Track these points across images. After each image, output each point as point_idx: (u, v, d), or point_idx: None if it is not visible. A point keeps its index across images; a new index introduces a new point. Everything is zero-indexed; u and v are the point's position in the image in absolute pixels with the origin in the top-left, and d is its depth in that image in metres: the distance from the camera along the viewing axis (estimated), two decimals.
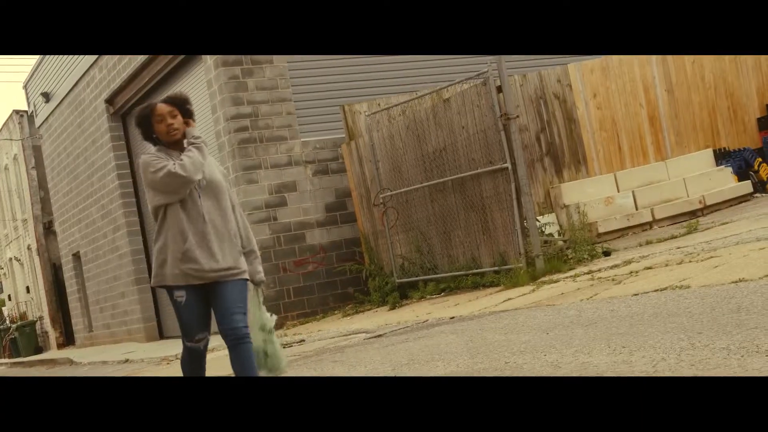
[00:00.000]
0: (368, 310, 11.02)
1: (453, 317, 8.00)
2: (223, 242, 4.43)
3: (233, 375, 4.49)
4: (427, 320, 8.34)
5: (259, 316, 4.60)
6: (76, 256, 18.91)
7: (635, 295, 6.29)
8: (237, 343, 4.36)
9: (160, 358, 10.42)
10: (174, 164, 4.33)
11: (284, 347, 8.86)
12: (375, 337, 8.05)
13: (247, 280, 4.50)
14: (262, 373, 4.55)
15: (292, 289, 11.66)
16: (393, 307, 10.41)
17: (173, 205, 4.39)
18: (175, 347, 11.34)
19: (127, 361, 11.21)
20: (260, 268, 4.69)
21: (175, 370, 8.62)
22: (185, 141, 4.50)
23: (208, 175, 4.51)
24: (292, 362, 7.15)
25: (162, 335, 14.68)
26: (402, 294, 10.79)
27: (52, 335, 24.29)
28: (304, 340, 9.47)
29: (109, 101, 15.57)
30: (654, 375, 3.74)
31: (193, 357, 4.56)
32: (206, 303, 4.43)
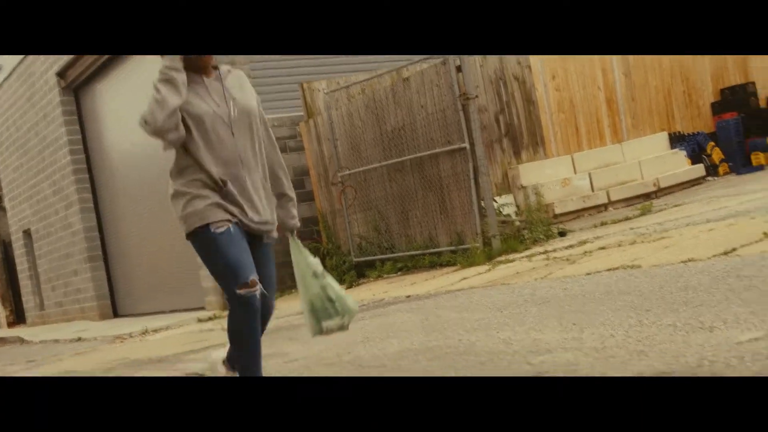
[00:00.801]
0: None
1: (409, 296, 8.03)
2: (259, 189, 3.64)
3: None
4: (383, 299, 8.36)
5: (306, 264, 3.86)
6: (27, 233, 18.61)
7: (588, 274, 6.37)
8: (266, 321, 3.87)
9: (113, 337, 10.32)
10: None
11: None
12: None
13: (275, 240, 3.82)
14: (334, 322, 3.91)
15: None
16: (350, 286, 10.41)
17: (193, 142, 3.50)
18: (129, 326, 11.24)
19: (79, 339, 11.09)
20: (295, 213, 3.94)
21: (129, 349, 8.54)
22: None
23: (241, 102, 3.68)
24: None
25: (116, 314, 14.54)
26: (359, 273, 10.80)
27: (2, 314, 23.93)
28: None
29: (61, 74, 15.27)
30: (603, 352, 3.79)
31: (250, 311, 3.54)
32: (246, 242, 3.63)
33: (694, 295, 4.61)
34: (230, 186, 3.51)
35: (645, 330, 4.04)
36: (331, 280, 3.89)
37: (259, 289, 3.54)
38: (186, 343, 7.97)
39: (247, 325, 3.58)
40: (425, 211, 10.14)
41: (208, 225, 3.49)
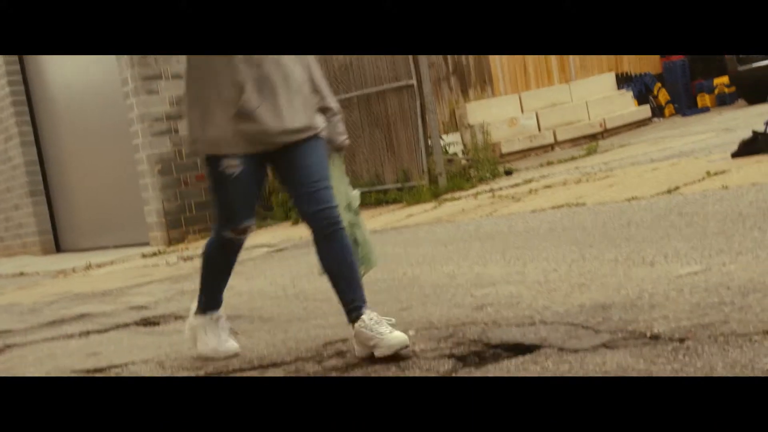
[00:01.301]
0: (270, 225, 10.96)
1: None
2: (292, 93, 3.19)
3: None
4: None
5: (343, 192, 3.39)
6: None
7: (533, 211, 6.41)
8: (333, 229, 3.22)
9: (56, 272, 10.16)
10: None
11: (185, 260, 8.76)
12: (277, 251, 8.01)
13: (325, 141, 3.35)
14: None
15: (194, 204, 11.45)
16: (296, 223, 10.37)
17: None
18: (72, 261, 11.08)
19: (21, 274, 10.90)
20: (342, 128, 3.47)
21: (73, 284, 8.42)
22: None
23: None
24: (191, 276, 7.07)
25: (59, 249, 14.31)
26: None
27: None
28: None
29: None
30: (546, 286, 3.83)
31: (228, 249, 3.47)
32: (261, 178, 3.43)
33: (636, 232, 4.67)
34: (249, 89, 3.13)
35: (587, 264, 4.09)
36: (362, 222, 3.49)
37: (246, 235, 3.46)
38: (130, 278, 7.88)
39: (218, 257, 3.56)
40: (372, 149, 10.09)
41: (217, 157, 3.25)
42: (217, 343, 3.58)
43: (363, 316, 3.22)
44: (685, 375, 2.36)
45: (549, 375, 2.59)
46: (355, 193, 3.48)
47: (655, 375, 2.42)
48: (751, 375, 2.27)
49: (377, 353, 3.14)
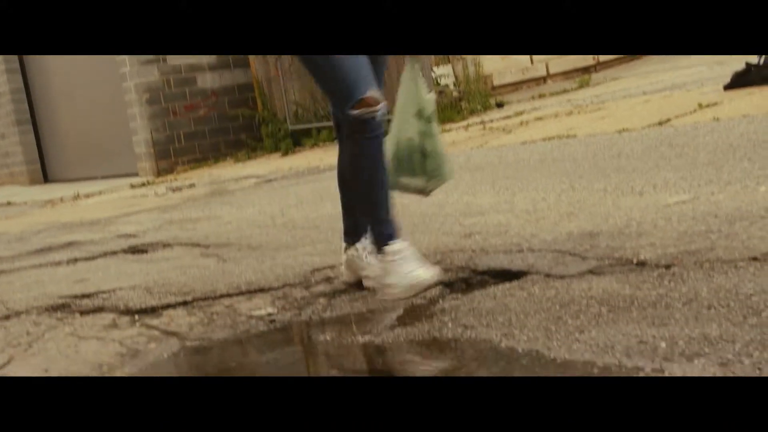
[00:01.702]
0: (260, 156, 10.90)
1: None
2: None
3: None
4: (318, 166, 8.30)
5: (415, 96, 2.98)
6: None
7: (523, 143, 6.39)
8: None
9: (44, 201, 10.12)
10: None
11: (174, 191, 8.73)
12: (266, 181, 7.99)
13: None
14: (415, 181, 3.05)
15: (182, 134, 11.37)
16: (285, 154, 10.33)
17: None
18: (60, 190, 11.03)
19: (9, 203, 10.84)
20: None
21: (61, 213, 8.39)
22: None
23: None
24: (179, 207, 7.05)
25: (46, 179, 14.24)
26: (295, 141, 10.68)
27: None
28: (194, 185, 9.32)
29: None
30: (534, 215, 3.82)
31: (370, 139, 2.79)
32: None
33: (626, 163, 4.66)
34: None
35: (576, 194, 4.08)
36: (436, 131, 3.01)
37: (381, 109, 2.77)
38: (119, 208, 7.85)
39: (369, 160, 2.78)
40: None
41: None
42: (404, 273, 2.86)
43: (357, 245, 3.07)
44: (669, 300, 2.37)
45: (535, 300, 2.61)
46: (430, 97, 2.99)
47: (640, 299, 2.43)
48: (735, 300, 2.28)
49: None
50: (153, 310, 3.20)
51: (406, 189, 3.10)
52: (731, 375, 1.85)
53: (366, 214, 2.99)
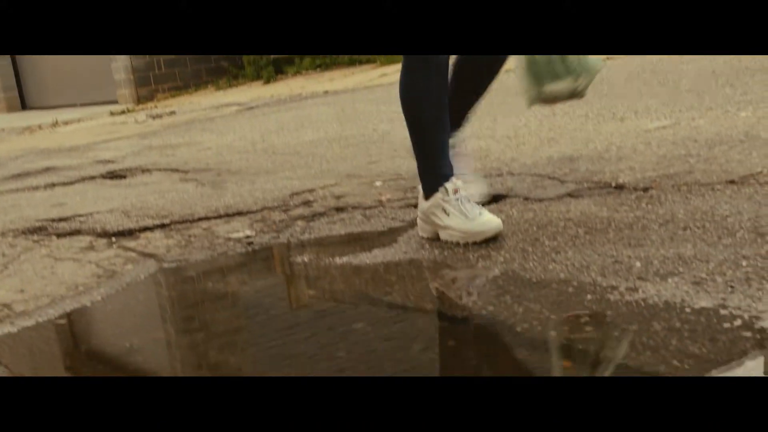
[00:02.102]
0: (242, 84, 10.78)
1: (326, 91, 7.92)
2: None
3: None
4: (300, 93, 8.23)
5: None
6: None
7: (507, 71, 6.31)
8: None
9: (22, 128, 9.99)
10: None
11: (154, 119, 8.64)
12: (247, 108, 7.91)
13: None
14: (562, 85, 2.60)
15: (162, 61, 11.21)
16: (267, 82, 10.21)
17: None
18: (39, 118, 10.88)
19: None
20: None
21: (39, 139, 8.29)
22: None
23: None
24: (159, 133, 6.99)
25: (24, 106, 14.05)
26: (277, 69, 10.56)
27: None
28: (174, 112, 9.23)
29: None
30: (515, 140, 3.81)
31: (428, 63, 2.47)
32: None
33: (609, 90, 4.63)
34: None
35: (558, 120, 4.06)
36: None
37: None
38: (97, 135, 7.77)
39: (428, 83, 2.48)
40: None
41: None
42: (468, 219, 2.52)
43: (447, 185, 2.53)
44: (646, 221, 2.38)
45: (513, 222, 2.60)
46: None
47: (617, 221, 2.43)
48: (711, 221, 2.29)
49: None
50: (130, 233, 3.19)
51: (555, 97, 2.69)
52: (704, 293, 1.87)
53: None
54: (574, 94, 2.65)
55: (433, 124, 2.53)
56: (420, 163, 2.61)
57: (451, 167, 2.58)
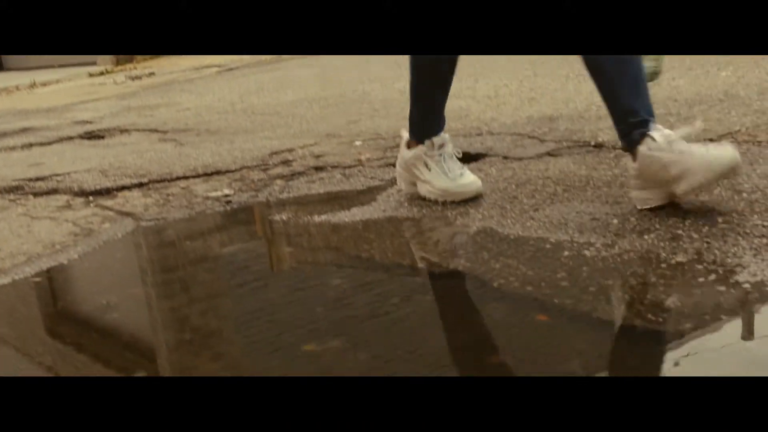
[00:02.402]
0: None
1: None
2: None
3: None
4: (281, 56, 8.15)
5: None
6: None
7: None
8: None
9: (0, 89, 9.87)
10: None
11: (134, 80, 8.55)
12: (227, 70, 7.83)
13: None
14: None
15: None
16: None
17: None
18: (17, 79, 10.75)
19: None
20: None
21: (17, 100, 8.19)
22: None
23: None
24: (138, 94, 6.92)
25: (2, 67, 13.88)
26: None
27: None
28: (153, 74, 9.13)
29: None
30: (496, 100, 3.79)
31: None
32: None
33: None
34: None
35: (539, 80, 4.05)
36: None
37: None
38: (76, 96, 7.68)
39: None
40: None
41: None
42: (448, 179, 2.49)
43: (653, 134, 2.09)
44: (624, 179, 2.38)
45: (491, 180, 2.60)
46: None
47: (595, 179, 2.43)
48: None
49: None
50: (108, 192, 3.16)
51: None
52: (680, 248, 1.87)
53: None
54: (653, 74, 2.59)
55: (438, 76, 2.47)
56: (413, 108, 2.57)
57: (442, 123, 2.56)
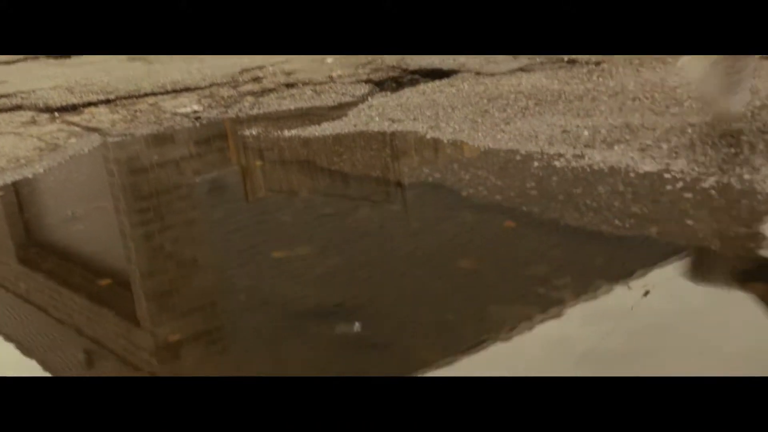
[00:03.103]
0: None
1: None
2: None
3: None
4: None
5: None
6: None
7: None
8: None
9: None
10: None
11: None
12: None
13: None
14: None
15: None
16: None
17: None
18: None
19: None
20: None
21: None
22: None
23: None
24: None
25: None
26: None
27: None
28: None
29: None
30: None
31: None
32: None
33: None
34: None
35: None
36: None
37: None
38: None
39: None
40: None
41: None
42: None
43: None
44: (596, 93, 2.37)
45: (463, 95, 2.58)
46: None
47: (567, 93, 2.42)
48: (660, 92, 2.29)
49: None
50: (74, 108, 3.10)
51: None
52: (649, 158, 1.87)
53: None
54: None
55: None
56: None
57: None
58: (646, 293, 1.34)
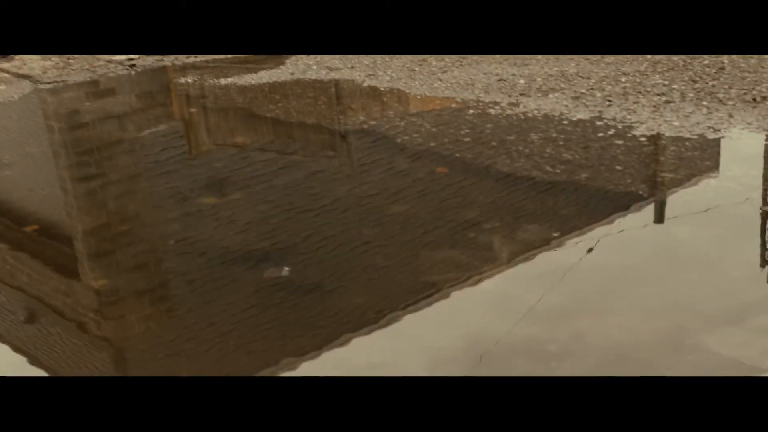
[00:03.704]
0: None
1: None
2: None
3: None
4: None
5: None
6: None
7: None
8: None
9: None
10: None
11: None
12: None
13: None
14: None
15: None
16: None
17: None
18: None
19: None
20: None
21: None
22: None
23: None
24: None
25: None
26: None
27: None
28: None
29: None
30: None
31: None
32: None
33: None
34: None
35: None
36: None
37: None
38: None
39: None
40: None
41: None
42: None
43: None
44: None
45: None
46: None
47: None
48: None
49: None
50: (3, 54, 3.01)
51: None
52: (582, 106, 1.89)
53: None
54: None
55: None
56: None
57: None
58: (590, 250, 1.35)
